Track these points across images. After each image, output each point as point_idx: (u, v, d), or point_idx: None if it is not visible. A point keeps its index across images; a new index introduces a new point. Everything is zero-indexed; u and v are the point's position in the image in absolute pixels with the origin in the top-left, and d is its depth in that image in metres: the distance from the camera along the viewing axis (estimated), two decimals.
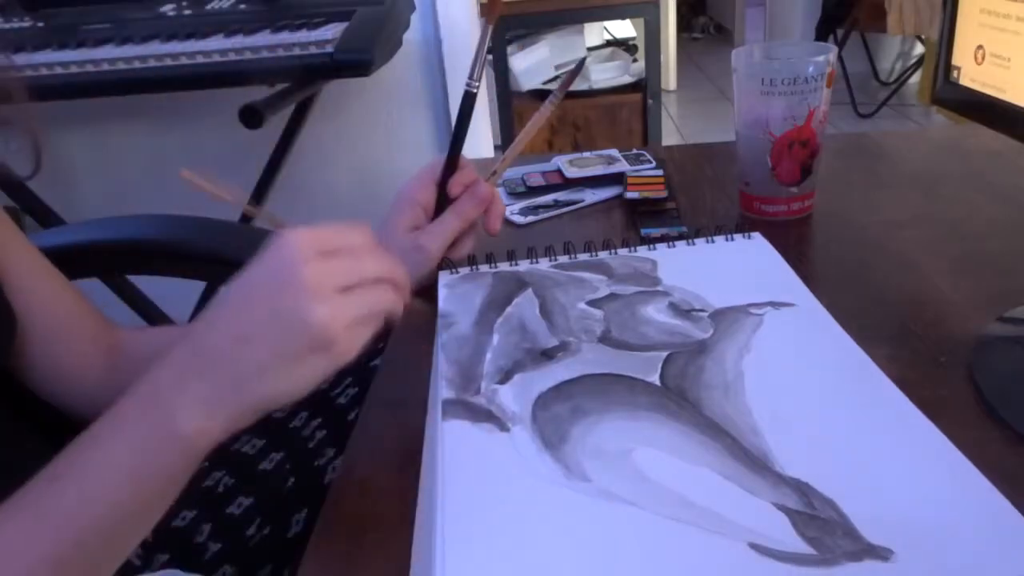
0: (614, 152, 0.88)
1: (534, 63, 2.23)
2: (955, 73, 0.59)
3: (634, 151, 0.89)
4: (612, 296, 0.59)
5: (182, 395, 0.40)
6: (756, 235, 0.67)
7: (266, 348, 0.40)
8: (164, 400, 0.40)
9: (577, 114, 2.23)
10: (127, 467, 0.40)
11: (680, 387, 0.48)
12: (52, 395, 0.61)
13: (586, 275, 0.63)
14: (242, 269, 0.42)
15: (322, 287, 0.40)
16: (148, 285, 1.38)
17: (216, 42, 1.27)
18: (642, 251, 0.66)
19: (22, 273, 0.58)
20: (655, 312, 0.56)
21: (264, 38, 1.27)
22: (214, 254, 0.85)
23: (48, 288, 0.60)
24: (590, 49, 2.38)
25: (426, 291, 0.63)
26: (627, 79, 2.27)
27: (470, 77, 0.64)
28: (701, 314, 0.56)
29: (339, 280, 0.41)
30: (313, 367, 0.41)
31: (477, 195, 0.64)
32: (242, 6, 1.41)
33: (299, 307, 0.40)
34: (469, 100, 0.65)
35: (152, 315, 1.39)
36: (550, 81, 2.26)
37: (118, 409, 0.41)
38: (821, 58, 0.66)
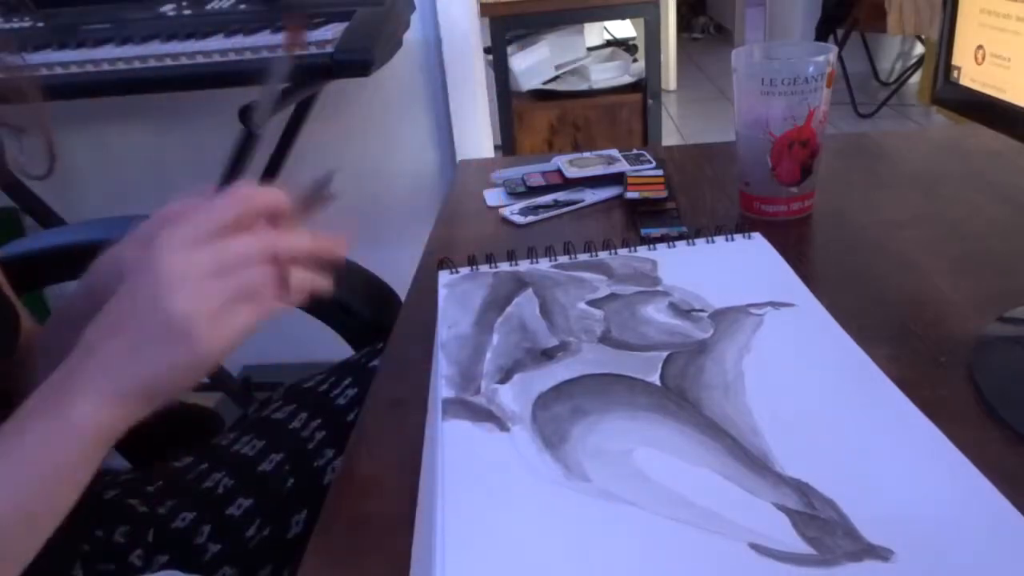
0: (614, 152, 0.88)
1: (534, 63, 2.22)
2: (955, 73, 0.59)
3: (634, 151, 0.89)
4: (612, 296, 0.59)
5: (71, 389, 0.41)
6: (756, 235, 0.67)
7: (128, 336, 0.41)
8: (57, 395, 0.42)
9: (577, 114, 2.23)
10: (27, 460, 0.41)
11: (680, 387, 0.48)
12: None
13: (586, 275, 0.63)
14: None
15: (184, 276, 0.40)
16: None
17: (216, 42, 1.27)
18: (642, 251, 0.66)
19: None
20: (655, 312, 0.56)
21: (264, 38, 1.27)
22: None
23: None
24: (590, 49, 2.37)
25: (423, 289, 0.63)
26: (627, 79, 2.27)
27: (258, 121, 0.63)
28: (701, 314, 0.56)
29: (203, 268, 0.41)
30: (174, 355, 0.41)
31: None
32: (242, 6, 1.41)
33: (157, 296, 0.40)
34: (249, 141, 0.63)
35: None
36: (550, 81, 2.26)
37: (21, 408, 0.42)
38: (821, 58, 0.66)
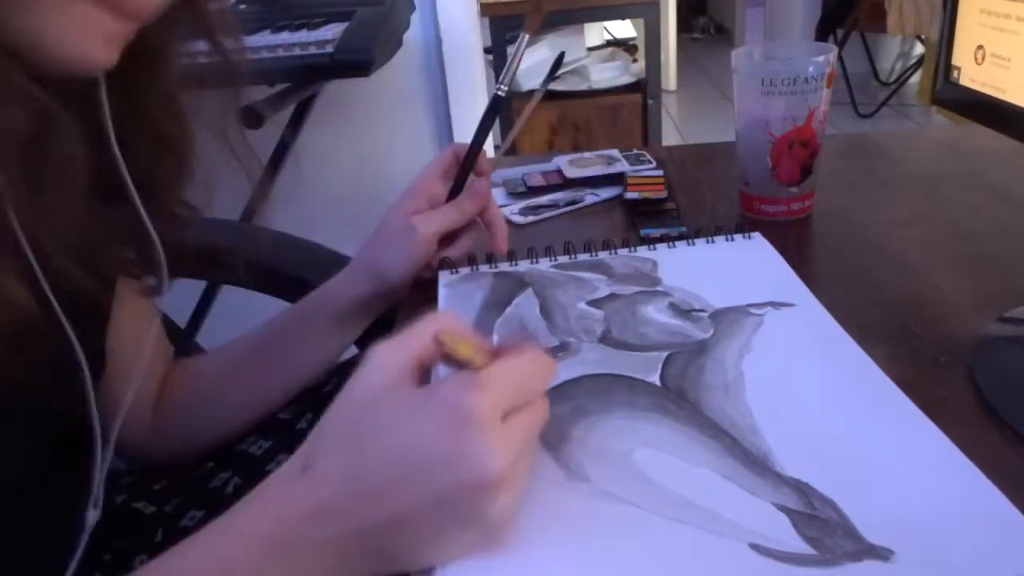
0: (614, 152, 0.88)
1: (534, 63, 2.22)
2: (955, 73, 0.59)
3: (634, 151, 0.89)
4: (612, 296, 0.59)
5: (315, 562, 0.35)
6: (756, 235, 0.67)
7: (426, 532, 0.34)
8: (293, 564, 0.35)
9: (577, 114, 2.23)
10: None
11: (680, 387, 0.48)
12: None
13: (586, 275, 0.63)
14: (391, 407, 0.35)
15: (508, 475, 0.34)
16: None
17: None
18: (642, 251, 0.66)
19: (121, 315, 0.57)
20: (655, 312, 0.56)
21: (264, 38, 1.27)
22: (215, 252, 0.85)
23: (144, 330, 0.58)
24: (590, 49, 2.38)
25: (425, 289, 0.63)
26: (627, 79, 2.27)
27: (499, 81, 0.64)
28: (701, 314, 0.56)
29: (520, 453, 0.35)
30: (474, 546, 0.35)
31: (474, 191, 0.64)
32: (242, 6, 1.41)
33: (484, 504, 0.33)
34: (496, 103, 0.65)
35: None
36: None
37: (229, 558, 0.35)
38: (821, 58, 0.66)
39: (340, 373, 0.74)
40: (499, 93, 0.65)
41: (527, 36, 0.64)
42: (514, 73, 0.65)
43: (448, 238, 0.65)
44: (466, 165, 0.65)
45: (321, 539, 0.34)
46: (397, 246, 0.62)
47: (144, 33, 0.43)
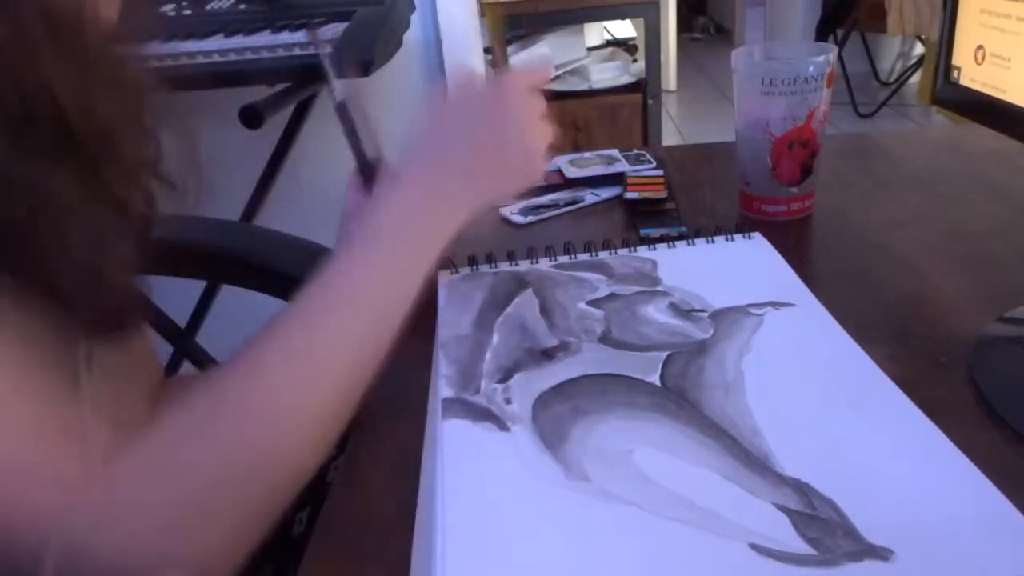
0: (614, 152, 0.88)
1: (534, 63, 2.22)
2: (955, 73, 0.59)
3: (634, 151, 0.89)
4: (612, 296, 0.59)
5: (439, 205, 0.52)
6: (756, 235, 0.67)
7: (496, 165, 0.54)
8: (432, 208, 0.52)
9: (577, 114, 2.23)
10: (380, 300, 0.49)
11: (680, 387, 0.48)
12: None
13: (586, 275, 0.63)
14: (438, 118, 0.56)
15: (536, 118, 0.55)
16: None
17: (216, 42, 1.27)
18: (642, 251, 0.66)
19: None
20: (655, 312, 0.56)
21: (264, 38, 1.27)
22: (215, 252, 0.85)
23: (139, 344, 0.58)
24: (590, 49, 2.37)
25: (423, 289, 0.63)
26: (627, 79, 2.27)
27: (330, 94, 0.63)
28: (701, 314, 0.56)
29: (541, 112, 0.55)
30: (525, 181, 0.55)
31: None
32: (242, 6, 1.41)
33: (520, 132, 0.54)
34: (344, 111, 0.63)
35: (151, 314, 1.39)
36: (550, 81, 2.26)
37: (361, 253, 0.50)
38: (821, 58, 0.66)
39: None
40: (339, 100, 0.63)
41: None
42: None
43: None
44: (364, 169, 0.63)
45: (437, 193, 0.53)
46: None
47: None
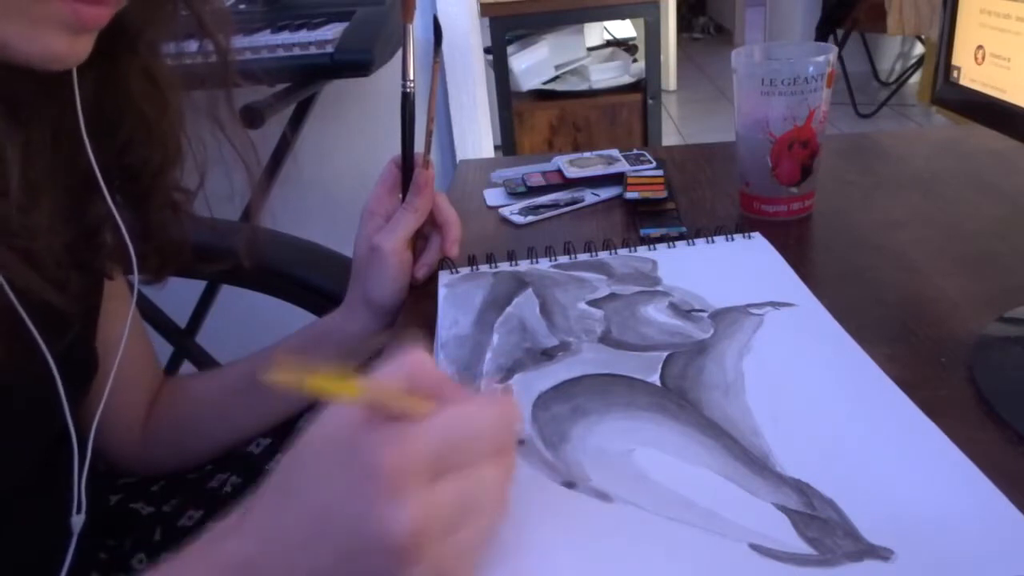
0: (614, 152, 0.88)
1: (534, 63, 2.23)
2: (955, 73, 0.59)
3: (634, 151, 0.89)
4: (612, 296, 0.59)
5: None
6: (756, 235, 0.67)
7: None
8: None
9: (577, 114, 2.23)
10: None
11: (680, 387, 0.48)
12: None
13: (586, 275, 0.63)
14: (319, 450, 0.34)
15: (421, 540, 0.30)
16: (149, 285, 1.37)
17: None
18: (642, 251, 0.66)
19: (111, 318, 0.57)
20: (655, 312, 0.56)
21: (264, 38, 1.27)
22: (215, 253, 0.85)
23: (130, 337, 0.57)
24: (590, 49, 2.38)
25: (423, 289, 0.63)
26: (627, 79, 2.27)
27: (404, 79, 0.63)
28: (701, 314, 0.56)
29: (448, 520, 0.31)
30: None
31: (416, 185, 0.63)
32: (242, 6, 1.41)
33: (392, 570, 0.30)
34: (407, 102, 0.63)
35: (151, 314, 1.40)
36: (550, 81, 2.26)
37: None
38: (821, 58, 0.66)
39: None
40: (406, 91, 0.64)
41: (410, 26, 0.63)
42: (413, 66, 0.63)
43: (424, 244, 0.65)
44: (406, 168, 0.64)
45: None
46: (372, 272, 0.62)
47: (119, 17, 0.43)
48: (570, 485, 0.40)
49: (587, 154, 0.88)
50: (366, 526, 0.30)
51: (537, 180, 0.85)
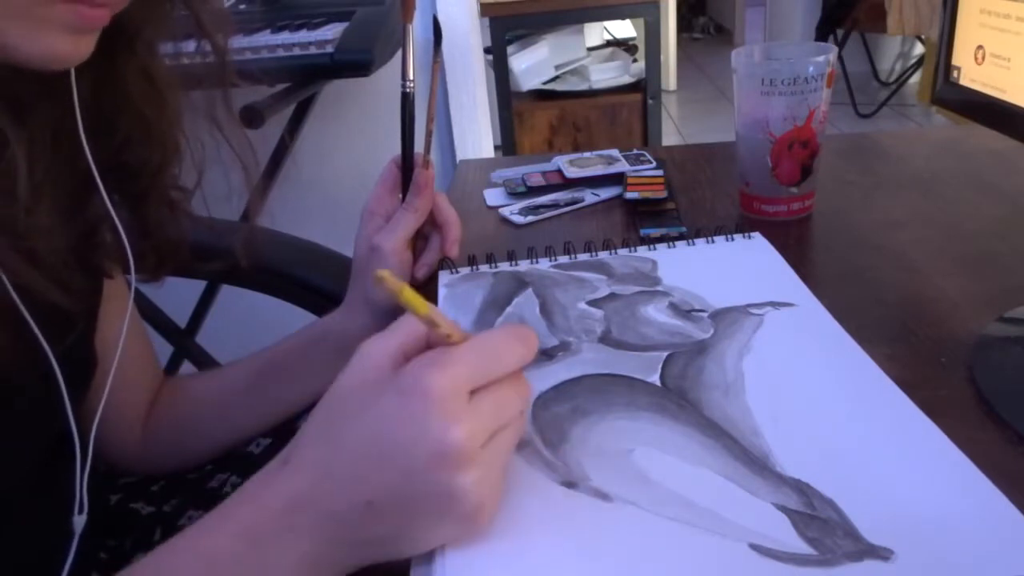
0: (614, 152, 0.88)
1: (534, 63, 2.23)
2: (955, 73, 0.59)
3: (634, 151, 0.89)
4: (612, 296, 0.59)
5: (287, 552, 0.34)
6: (756, 235, 0.67)
7: (399, 518, 0.34)
8: (267, 554, 0.35)
9: (577, 114, 2.23)
10: None
11: (680, 387, 0.48)
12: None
13: (586, 275, 0.63)
14: (357, 384, 0.36)
15: (472, 449, 0.33)
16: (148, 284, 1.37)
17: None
18: (642, 251, 0.66)
19: (110, 317, 0.57)
20: (655, 312, 0.56)
21: (264, 38, 1.27)
22: (215, 254, 0.85)
23: (129, 336, 0.57)
24: (590, 49, 2.37)
25: (423, 289, 0.63)
26: (627, 79, 2.27)
27: (404, 79, 0.63)
28: (701, 314, 0.56)
29: (489, 430, 0.35)
30: (450, 534, 0.36)
31: (416, 185, 0.63)
32: (242, 6, 1.41)
33: (449, 480, 0.33)
34: (407, 102, 0.63)
35: (151, 314, 1.40)
36: (550, 81, 2.26)
37: (211, 551, 0.35)
38: (821, 58, 0.66)
39: None
40: (406, 91, 0.64)
41: (409, 26, 0.63)
42: (413, 66, 0.63)
43: (424, 244, 0.65)
44: (406, 168, 0.64)
45: (297, 528, 0.34)
46: (372, 272, 0.62)
47: (117, 17, 0.43)
48: (570, 485, 0.40)
49: (587, 154, 0.88)
50: (423, 445, 0.33)
51: (537, 180, 0.85)
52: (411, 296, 0.35)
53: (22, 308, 0.43)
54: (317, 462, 0.35)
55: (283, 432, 0.66)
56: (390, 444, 0.34)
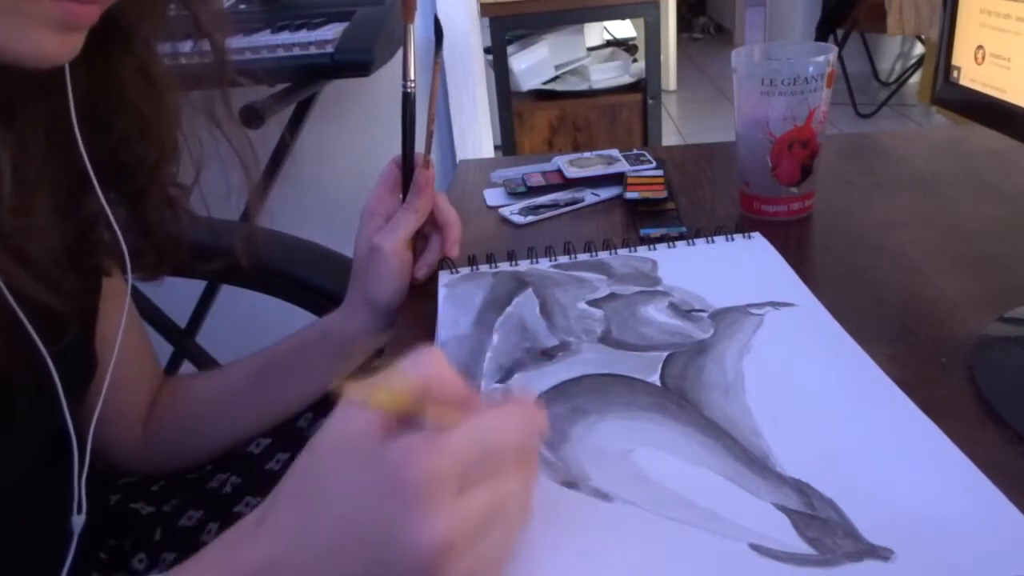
0: (614, 152, 0.88)
1: (534, 63, 2.23)
2: (955, 73, 0.59)
3: (634, 151, 0.89)
4: (612, 296, 0.59)
5: None
6: (756, 235, 0.67)
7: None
8: None
9: (577, 114, 2.23)
10: None
11: (680, 387, 0.48)
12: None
13: (586, 275, 0.63)
14: (344, 455, 0.32)
15: (454, 545, 0.30)
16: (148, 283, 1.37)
17: None
18: (642, 251, 0.66)
19: (109, 316, 0.57)
20: (655, 312, 0.56)
21: (264, 38, 1.27)
22: (215, 253, 0.85)
23: (128, 335, 0.57)
24: (590, 49, 2.38)
25: (423, 289, 0.63)
26: (627, 79, 2.27)
27: (404, 79, 0.63)
28: (701, 314, 0.56)
29: (480, 523, 0.31)
30: None
31: (416, 185, 0.63)
32: (242, 6, 1.41)
33: (422, 574, 0.30)
34: (408, 102, 0.63)
35: (151, 314, 1.40)
36: (550, 81, 2.26)
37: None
38: (821, 58, 0.66)
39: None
40: (407, 91, 0.63)
41: (411, 26, 0.63)
42: (414, 67, 0.63)
43: (425, 244, 0.65)
44: (406, 168, 0.64)
45: None
46: (372, 272, 0.62)
47: (112, 14, 0.43)
48: (570, 485, 0.40)
49: (587, 154, 0.88)
50: (397, 536, 0.30)
51: (537, 180, 0.85)
52: (387, 396, 0.32)
53: (17, 309, 0.43)
54: (293, 529, 0.33)
55: (283, 432, 0.66)
56: (370, 528, 0.31)
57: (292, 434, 0.66)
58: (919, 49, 3.83)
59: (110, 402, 0.54)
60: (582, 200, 0.80)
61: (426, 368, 0.34)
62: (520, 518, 0.34)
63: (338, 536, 0.32)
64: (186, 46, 0.55)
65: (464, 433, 0.32)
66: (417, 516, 0.30)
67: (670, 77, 4.33)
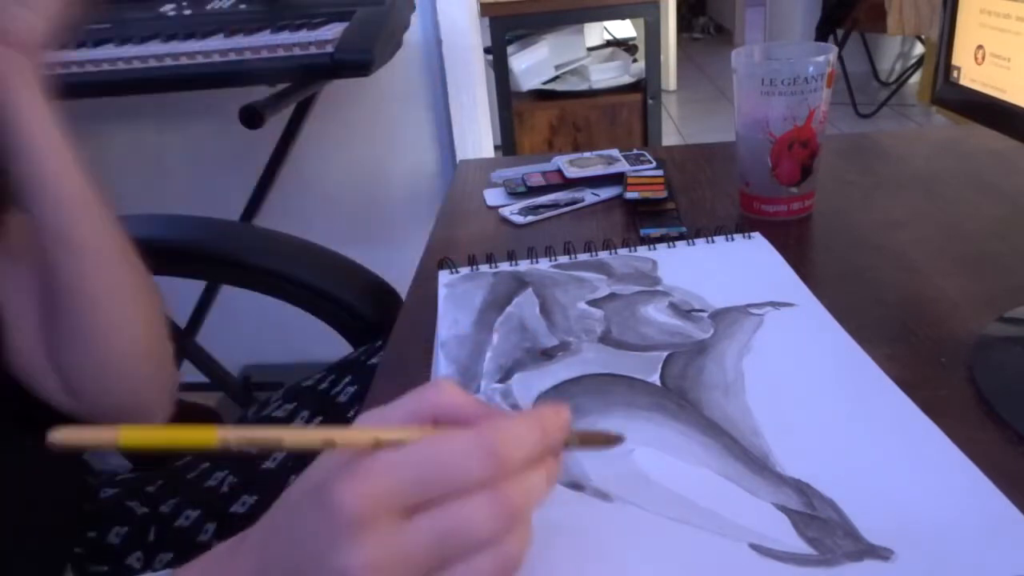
0: (614, 152, 0.88)
1: (534, 63, 2.22)
2: (955, 73, 0.59)
3: (634, 151, 0.89)
4: (612, 296, 0.59)
5: None
6: (756, 235, 0.67)
7: None
8: None
9: (577, 114, 2.23)
10: None
11: (680, 387, 0.48)
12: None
13: (586, 275, 0.63)
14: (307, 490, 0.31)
15: (387, 567, 0.28)
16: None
17: (216, 42, 1.27)
18: (642, 251, 0.66)
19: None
20: (655, 312, 0.56)
21: (264, 38, 1.27)
22: (215, 254, 0.85)
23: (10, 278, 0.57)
24: (590, 49, 2.37)
25: (423, 289, 0.63)
26: (627, 79, 2.27)
27: None
28: (701, 314, 0.56)
29: (423, 557, 0.28)
30: None
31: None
32: (242, 6, 1.41)
33: None
34: None
35: None
36: (550, 81, 2.26)
37: None
38: (821, 58, 0.66)
39: (336, 370, 0.75)
40: None
41: None
42: None
43: None
44: None
45: None
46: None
47: None
48: (571, 485, 0.40)
49: (587, 154, 0.88)
50: (326, 566, 0.28)
51: (537, 180, 0.85)
52: (351, 435, 0.30)
53: None
54: (253, 564, 0.32)
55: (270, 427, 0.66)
56: (303, 559, 0.29)
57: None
58: (919, 49, 3.83)
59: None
60: (582, 200, 0.80)
61: (434, 398, 0.32)
62: (499, 550, 0.29)
63: (283, 570, 0.30)
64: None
65: (405, 454, 0.29)
66: (341, 545, 0.28)
67: (670, 77, 4.33)
